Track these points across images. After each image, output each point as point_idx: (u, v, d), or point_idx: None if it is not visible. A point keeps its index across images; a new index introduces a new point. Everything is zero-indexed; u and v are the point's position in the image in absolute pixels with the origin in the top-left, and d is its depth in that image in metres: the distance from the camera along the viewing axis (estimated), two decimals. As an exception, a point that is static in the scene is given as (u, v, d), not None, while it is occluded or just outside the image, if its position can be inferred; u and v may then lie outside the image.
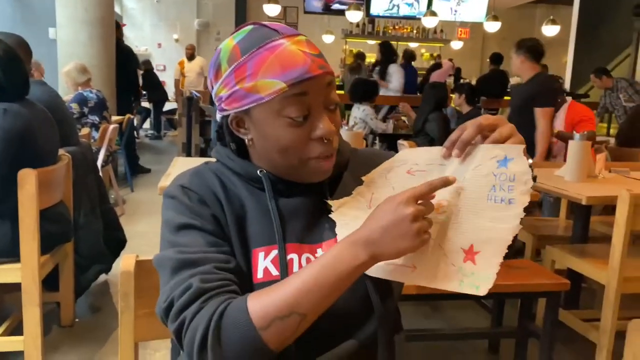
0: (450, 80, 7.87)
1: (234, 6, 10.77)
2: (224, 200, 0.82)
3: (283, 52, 0.77)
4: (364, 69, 7.16)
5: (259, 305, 0.69)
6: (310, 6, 10.65)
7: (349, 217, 0.78)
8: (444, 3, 8.94)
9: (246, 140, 0.84)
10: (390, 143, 4.83)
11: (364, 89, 4.63)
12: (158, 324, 0.91)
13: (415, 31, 10.40)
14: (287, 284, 0.71)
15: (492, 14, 7.89)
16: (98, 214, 2.55)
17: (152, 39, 10.60)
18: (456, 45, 10.60)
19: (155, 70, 8.97)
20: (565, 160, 2.84)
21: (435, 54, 10.86)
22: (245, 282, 0.78)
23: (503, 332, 2.33)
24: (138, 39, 10.22)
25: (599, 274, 2.09)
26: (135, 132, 7.03)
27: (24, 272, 1.89)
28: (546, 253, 2.37)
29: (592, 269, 2.13)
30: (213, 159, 0.90)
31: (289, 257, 0.81)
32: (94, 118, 4.12)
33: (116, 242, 2.68)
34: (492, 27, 7.79)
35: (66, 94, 4.24)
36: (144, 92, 8.51)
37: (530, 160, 0.73)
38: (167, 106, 9.03)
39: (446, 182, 0.71)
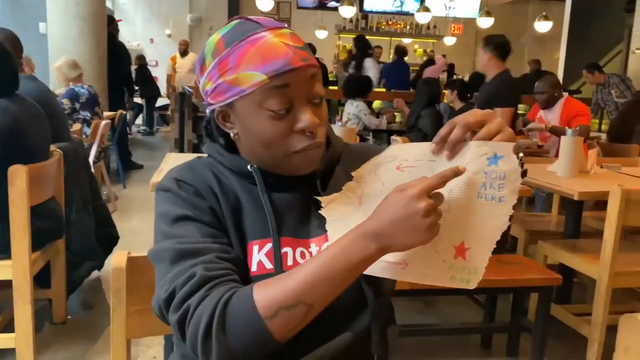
0: (443, 77, 7.90)
1: (227, 1, 10.73)
2: (219, 193, 0.82)
3: (264, 44, 0.77)
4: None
5: (265, 294, 0.69)
6: (303, 1, 10.64)
7: (339, 213, 0.77)
8: (437, -1, 8.95)
9: (232, 135, 0.84)
10: (383, 139, 4.84)
11: (357, 85, 4.64)
12: (150, 321, 0.91)
13: (408, 27, 10.40)
14: (294, 274, 0.70)
15: (485, 10, 7.91)
16: (90, 211, 2.53)
17: (144, 34, 10.53)
18: (449, 41, 10.61)
19: (147, 66, 8.91)
20: (557, 155, 2.85)
21: (428, 50, 10.87)
22: (243, 274, 0.78)
23: (496, 327, 2.35)
24: (130, 34, 10.15)
25: (590, 269, 2.10)
26: (127, 128, 6.99)
27: (15, 269, 1.88)
28: (538, 248, 2.39)
29: (583, 263, 2.15)
30: (205, 155, 0.90)
31: (283, 250, 0.81)
32: (86, 114, 4.10)
33: (108, 238, 2.67)
34: (485, 23, 7.81)
35: (57, 89, 4.20)
36: (137, 88, 8.47)
37: (521, 154, 0.73)
38: (160, 102, 8.98)
39: (457, 173, 0.69)
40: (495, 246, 0.72)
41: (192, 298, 0.70)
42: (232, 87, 0.78)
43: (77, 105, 4.05)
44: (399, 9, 9.88)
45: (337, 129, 2.57)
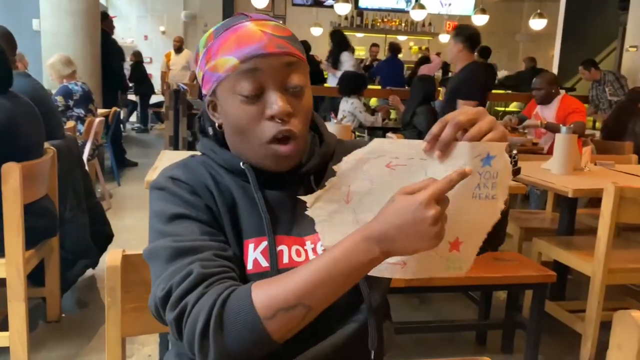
0: (438, 74, 7.90)
1: (221, -2, 10.69)
2: (216, 191, 0.81)
3: (242, 31, 0.78)
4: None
5: (264, 294, 0.68)
6: (299, -2, 10.61)
7: (326, 212, 0.76)
8: (432, -4, 8.96)
9: (216, 125, 0.85)
10: (379, 136, 4.84)
11: (352, 82, 4.63)
12: (145, 319, 0.91)
13: (403, 24, 10.41)
14: (294, 274, 0.69)
15: (480, 7, 7.92)
16: (84, 208, 2.52)
17: (138, 31, 10.48)
18: (444, 38, 10.61)
19: (143, 63, 8.86)
20: (550, 152, 2.86)
21: (423, 47, 10.88)
22: (240, 272, 0.78)
23: (490, 324, 2.35)
24: (124, 31, 10.09)
25: (584, 266, 2.12)
26: (121, 126, 6.96)
27: (8, 267, 1.87)
28: (533, 245, 2.40)
29: (577, 260, 2.16)
30: (199, 153, 0.90)
31: (278, 248, 0.80)
32: (80, 111, 4.07)
33: (103, 236, 2.66)
34: (480, 20, 7.82)
35: (51, 86, 4.18)
36: (131, 85, 8.42)
37: (515, 152, 0.74)
38: (154, 99, 8.94)
39: (464, 175, 0.68)
40: (486, 236, 0.74)
41: (190, 296, 0.70)
42: (213, 74, 0.80)
43: (71, 103, 4.03)
44: (394, 6, 9.88)
45: (332, 126, 2.56)
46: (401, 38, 10.57)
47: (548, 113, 3.73)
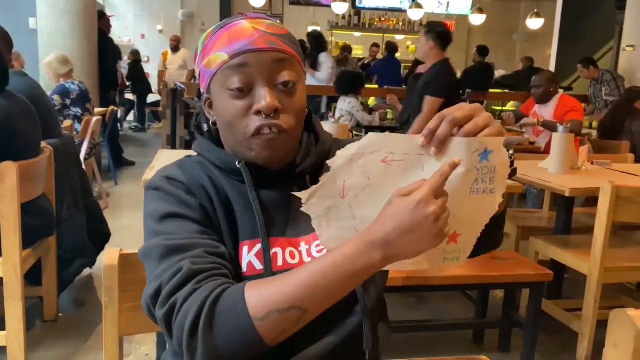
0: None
1: (219, -3, 10.67)
2: (212, 191, 0.81)
3: (234, 29, 0.79)
4: (351, 61, 7.15)
5: (258, 294, 0.67)
6: (296, -3, 10.59)
7: (322, 208, 0.74)
8: (429, -5, 8.96)
9: (210, 122, 0.85)
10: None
11: (350, 82, 4.62)
12: (143, 318, 0.90)
13: (401, 23, 10.41)
14: (290, 276, 0.68)
15: (478, 7, 7.93)
16: (81, 208, 2.52)
17: (135, 30, 10.45)
18: (442, 37, 10.60)
19: (141, 62, 8.83)
20: (547, 150, 2.87)
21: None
22: (235, 272, 0.77)
23: (487, 323, 2.36)
24: (121, 30, 10.06)
25: (581, 265, 2.12)
26: (119, 125, 6.95)
27: (5, 266, 1.87)
28: (530, 244, 2.40)
29: (574, 259, 2.16)
30: (194, 153, 0.89)
31: (272, 251, 0.80)
32: (77, 110, 4.06)
33: (100, 235, 2.65)
34: (478, 19, 7.83)
35: (48, 85, 4.16)
36: (129, 83, 8.40)
37: (512, 151, 0.74)
38: (151, 98, 8.92)
39: (454, 166, 0.67)
40: (484, 228, 0.75)
41: (179, 292, 0.69)
42: (207, 70, 0.81)
43: (68, 102, 4.02)
44: (391, 5, 9.88)
45: (330, 125, 2.57)
46: (399, 37, 10.57)
47: (546, 112, 3.73)
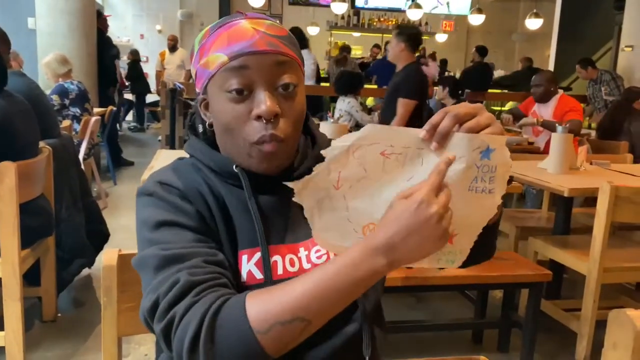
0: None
1: (218, -3, 10.67)
2: (210, 197, 0.78)
3: (234, 29, 0.77)
4: (350, 61, 7.15)
5: (259, 306, 0.65)
6: (295, -3, 10.59)
7: (315, 198, 0.73)
8: (428, -5, 8.97)
9: (207, 124, 0.83)
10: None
11: (349, 81, 4.62)
12: (142, 319, 0.90)
13: (400, 23, 10.40)
14: (292, 286, 0.66)
15: (477, 7, 7.93)
16: (80, 208, 2.51)
17: (134, 30, 10.45)
18: (441, 37, 10.64)
19: (140, 62, 8.82)
20: (546, 150, 2.87)
21: (420, 47, 10.89)
22: (234, 280, 0.75)
23: (486, 323, 2.36)
24: (120, 30, 10.06)
25: (580, 265, 2.12)
26: (117, 125, 6.94)
27: (4, 266, 1.86)
28: (529, 244, 2.40)
29: (573, 259, 2.16)
30: (187, 155, 0.86)
31: (272, 259, 0.77)
32: (75, 110, 4.06)
33: (99, 235, 2.65)
34: (477, 19, 7.84)
35: (46, 85, 4.16)
36: (128, 83, 8.39)
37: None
38: (150, 98, 8.91)
39: (449, 163, 0.66)
40: (481, 230, 0.73)
41: (178, 306, 0.66)
42: (204, 71, 0.78)
43: (67, 102, 4.01)
44: (390, 5, 9.89)
45: (329, 125, 2.56)
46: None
47: (545, 111, 3.74)
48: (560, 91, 3.80)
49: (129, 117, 9.15)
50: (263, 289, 0.68)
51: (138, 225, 0.77)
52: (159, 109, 6.72)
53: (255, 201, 0.78)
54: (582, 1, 7.80)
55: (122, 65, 8.30)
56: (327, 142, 0.88)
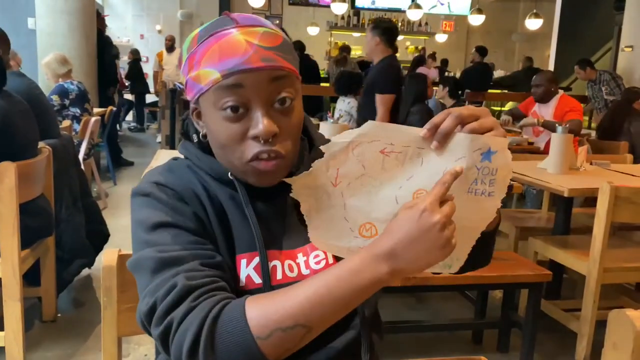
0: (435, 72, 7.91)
1: (218, -3, 10.67)
2: (206, 199, 0.77)
3: (226, 41, 0.72)
4: (350, 61, 7.15)
5: (260, 312, 0.64)
6: (295, -2, 10.59)
7: (312, 194, 0.72)
8: (428, -4, 8.97)
9: (201, 134, 0.80)
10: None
11: (349, 82, 4.62)
12: (141, 319, 0.90)
13: (400, 24, 10.40)
14: (293, 292, 0.65)
15: (477, 7, 7.94)
16: (80, 208, 2.51)
17: (134, 30, 10.46)
18: (441, 38, 10.64)
19: (141, 61, 8.82)
20: (546, 150, 2.87)
21: (420, 47, 10.90)
22: (232, 283, 0.73)
23: (486, 323, 2.36)
24: (120, 30, 10.07)
25: (580, 265, 2.12)
26: (117, 125, 6.94)
27: (3, 266, 1.86)
28: (529, 244, 2.40)
29: (573, 260, 2.16)
30: (181, 156, 0.84)
31: (271, 264, 0.76)
32: (75, 110, 4.06)
33: (99, 236, 2.65)
34: (477, 20, 7.84)
35: (46, 85, 4.16)
36: (127, 83, 8.39)
37: None
38: (150, 98, 8.91)
39: (456, 175, 0.66)
40: (479, 235, 0.73)
41: (176, 311, 0.65)
42: (195, 84, 0.74)
43: (67, 102, 4.01)
44: (390, 5, 9.89)
45: (328, 125, 2.56)
46: (398, 38, 10.57)
47: (546, 112, 3.74)
48: (561, 91, 3.80)
49: (129, 117, 9.15)
50: (263, 294, 0.68)
51: (133, 227, 0.76)
52: (158, 109, 6.74)
53: (253, 207, 0.77)
54: (582, 1, 7.81)
55: (122, 65, 8.30)
56: (323, 141, 0.86)
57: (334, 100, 4.87)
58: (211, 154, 0.80)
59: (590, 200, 2.88)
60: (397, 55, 8.29)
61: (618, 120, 4.00)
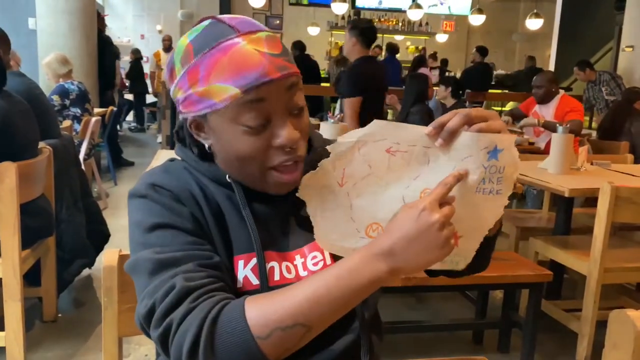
0: (435, 73, 7.92)
1: (218, -3, 10.67)
2: (202, 200, 0.76)
3: (236, 53, 0.70)
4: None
5: (259, 312, 0.64)
6: (296, -3, 10.59)
7: (319, 195, 0.72)
8: (429, -4, 8.97)
9: (206, 146, 0.78)
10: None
11: (349, 82, 4.61)
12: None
13: (400, 24, 10.42)
14: (292, 291, 0.65)
15: (477, 7, 7.94)
16: (80, 208, 2.52)
17: (135, 30, 10.46)
18: (441, 38, 10.64)
19: (142, 61, 8.81)
20: (546, 150, 2.87)
21: (420, 47, 10.90)
22: (230, 284, 0.74)
23: (487, 323, 2.36)
24: (120, 30, 10.07)
25: (580, 265, 2.12)
26: (117, 125, 6.94)
27: (4, 266, 1.86)
28: (529, 245, 2.40)
29: (574, 260, 2.16)
30: (178, 157, 0.83)
31: (269, 265, 0.76)
32: (76, 110, 4.06)
33: (99, 236, 2.65)
34: (477, 20, 7.84)
35: (47, 85, 4.16)
36: (127, 83, 8.39)
37: None
38: (150, 98, 8.91)
39: (459, 178, 0.66)
40: (487, 233, 0.72)
41: (175, 312, 0.65)
42: (204, 100, 0.72)
43: (67, 102, 4.01)
44: (391, 5, 9.90)
45: (328, 125, 2.57)
46: (398, 38, 10.59)
47: (547, 112, 3.74)
48: (561, 91, 3.80)
49: (129, 117, 9.15)
50: (262, 294, 0.68)
51: (131, 228, 0.75)
52: (158, 109, 6.74)
53: (250, 208, 0.77)
54: (583, 1, 7.81)
55: (123, 65, 8.30)
56: (322, 143, 0.87)
57: (335, 100, 4.87)
58: (209, 160, 0.80)
59: (590, 200, 2.88)
60: (398, 56, 8.30)
61: (619, 121, 4.00)
